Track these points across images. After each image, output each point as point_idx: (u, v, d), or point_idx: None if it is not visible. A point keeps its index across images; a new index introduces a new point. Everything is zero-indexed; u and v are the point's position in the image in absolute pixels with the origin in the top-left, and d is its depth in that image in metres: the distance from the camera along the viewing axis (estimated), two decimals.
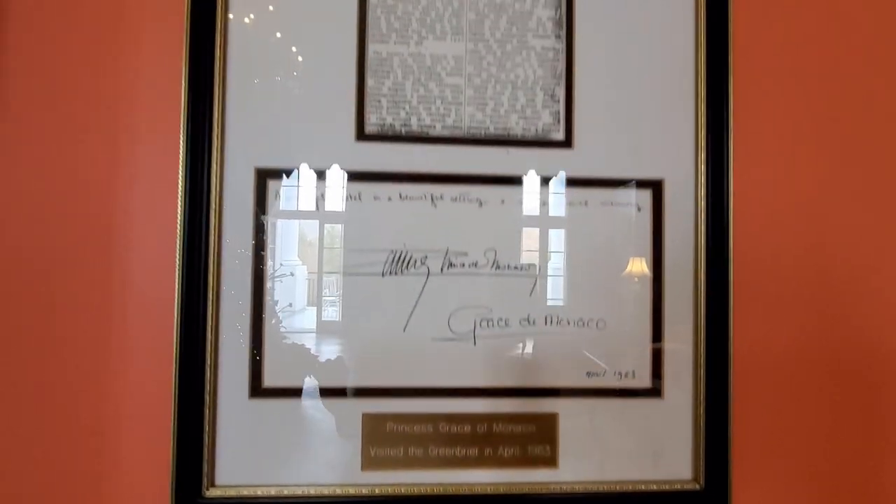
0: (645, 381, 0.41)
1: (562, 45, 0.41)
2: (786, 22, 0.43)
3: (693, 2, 0.42)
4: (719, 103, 0.41)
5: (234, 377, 0.38)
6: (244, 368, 0.38)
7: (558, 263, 0.41)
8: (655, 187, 0.41)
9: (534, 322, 0.40)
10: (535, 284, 0.40)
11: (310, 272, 0.40)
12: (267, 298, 0.39)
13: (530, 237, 0.41)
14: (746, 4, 0.42)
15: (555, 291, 0.41)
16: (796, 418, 0.42)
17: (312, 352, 0.39)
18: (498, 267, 0.40)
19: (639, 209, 0.41)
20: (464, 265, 0.40)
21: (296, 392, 0.39)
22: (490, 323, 0.40)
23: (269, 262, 0.39)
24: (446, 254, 0.40)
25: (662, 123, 0.41)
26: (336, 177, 0.39)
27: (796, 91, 0.43)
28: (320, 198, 0.39)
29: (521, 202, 0.41)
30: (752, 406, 0.41)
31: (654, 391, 0.41)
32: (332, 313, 0.40)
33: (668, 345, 0.41)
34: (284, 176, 0.39)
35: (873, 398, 0.43)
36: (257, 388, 0.39)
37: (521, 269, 0.40)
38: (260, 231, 0.39)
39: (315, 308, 0.40)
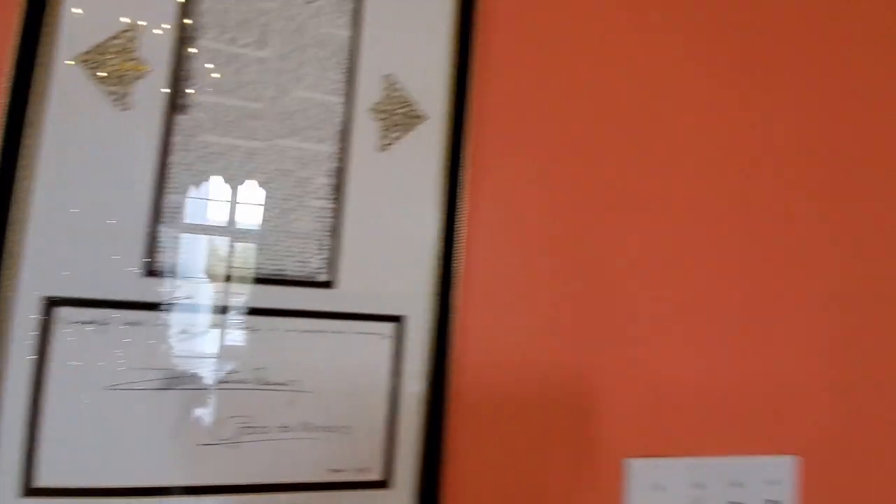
0: (378, 475, 0.52)
1: (334, 206, 0.53)
2: (507, 199, 0.59)
3: (436, 180, 0.56)
4: (448, 257, 0.55)
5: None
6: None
7: (316, 380, 0.51)
8: (399, 322, 0.54)
9: (289, 428, 0.50)
10: (293, 397, 0.50)
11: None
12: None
13: (293, 358, 0.51)
14: (479, 177, 0.57)
15: (311, 403, 0.51)
16: None
17: (86, 452, 0.45)
18: (264, 383, 0.50)
19: (386, 338, 0.53)
20: (234, 381, 0.49)
21: (69, 492, 0.44)
22: (252, 430, 0.49)
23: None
24: (220, 370, 0.48)
25: (407, 271, 0.54)
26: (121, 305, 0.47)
27: (519, 255, 0.58)
28: (108, 323, 0.46)
29: (289, 330, 0.51)
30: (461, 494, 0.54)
31: (385, 483, 0.52)
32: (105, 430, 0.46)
33: (400, 445, 0.52)
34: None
35: None
36: (28, 489, 0.43)
37: (283, 384, 0.50)
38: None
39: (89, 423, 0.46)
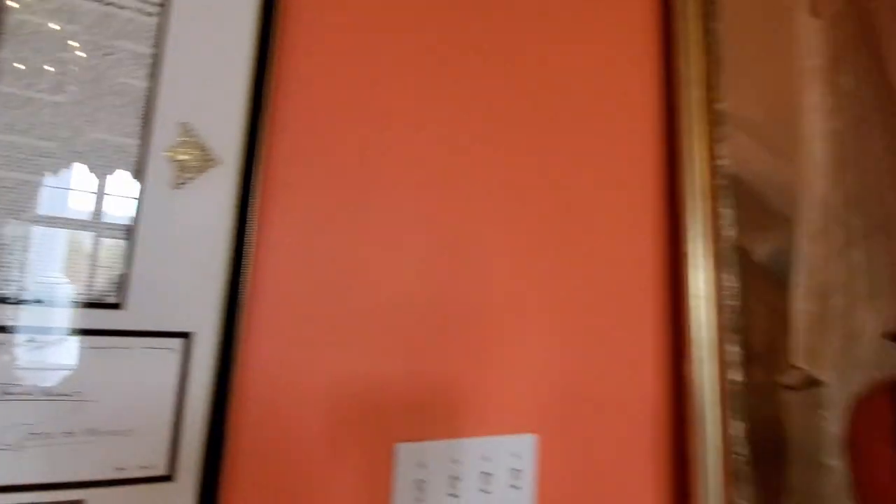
0: (162, 470, 0.60)
1: (127, 240, 0.60)
2: (295, 232, 0.70)
3: (227, 214, 0.65)
4: (237, 280, 0.65)
5: None
6: None
7: (101, 391, 0.58)
8: (187, 337, 0.62)
9: (74, 434, 0.57)
10: (77, 406, 0.57)
11: None
12: None
13: (79, 371, 0.57)
14: (269, 212, 0.68)
15: (96, 411, 0.58)
16: None
17: None
18: (47, 394, 0.56)
19: (175, 353, 0.62)
20: (18, 393, 0.54)
21: None
22: (36, 436, 0.55)
23: None
24: (3, 384, 0.54)
25: (197, 293, 0.63)
26: None
27: (303, 278, 0.69)
28: None
29: (78, 346, 0.57)
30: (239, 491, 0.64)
31: (169, 477, 0.60)
32: None
33: (183, 444, 0.61)
34: None
35: None
36: None
37: (68, 395, 0.57)
38: None
39: None
